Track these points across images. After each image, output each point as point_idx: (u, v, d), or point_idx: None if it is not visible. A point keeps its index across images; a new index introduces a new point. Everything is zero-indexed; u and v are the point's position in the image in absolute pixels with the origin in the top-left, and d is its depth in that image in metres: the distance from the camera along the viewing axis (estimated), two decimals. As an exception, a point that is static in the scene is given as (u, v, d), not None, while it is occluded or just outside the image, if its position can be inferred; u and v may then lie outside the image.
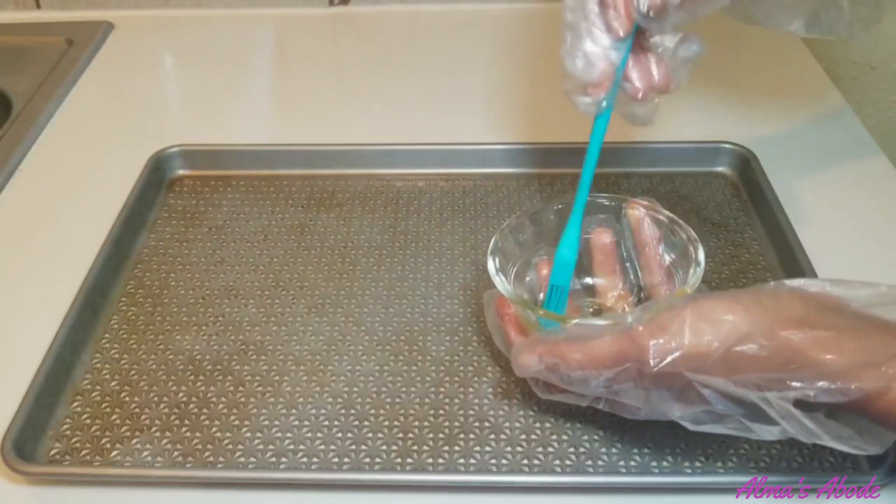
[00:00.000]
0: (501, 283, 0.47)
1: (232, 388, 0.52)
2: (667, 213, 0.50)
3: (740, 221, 0.64)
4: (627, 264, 0.51)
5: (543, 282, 0.50)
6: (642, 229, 0.50)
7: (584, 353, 0.41)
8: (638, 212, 0.50)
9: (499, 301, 0.49)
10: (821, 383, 0.36)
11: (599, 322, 0.42)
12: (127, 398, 0.51)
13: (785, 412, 0.37)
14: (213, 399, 0.51)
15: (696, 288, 0.46)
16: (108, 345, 0.55)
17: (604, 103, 0.48)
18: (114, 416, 0.50)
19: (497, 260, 0.48)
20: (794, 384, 0.37)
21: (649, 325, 0.39)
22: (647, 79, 0.49)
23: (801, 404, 0.37)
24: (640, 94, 0.48)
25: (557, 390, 0.44)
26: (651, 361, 0.38)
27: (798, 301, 0.39)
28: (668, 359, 0.38)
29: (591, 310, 0.51)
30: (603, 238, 0.51)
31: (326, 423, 0.49)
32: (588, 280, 0.52)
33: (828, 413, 0.38)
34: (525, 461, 0.47)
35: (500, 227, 0.50)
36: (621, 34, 0.46)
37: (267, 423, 0.49)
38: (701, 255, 0.47)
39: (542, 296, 0.50)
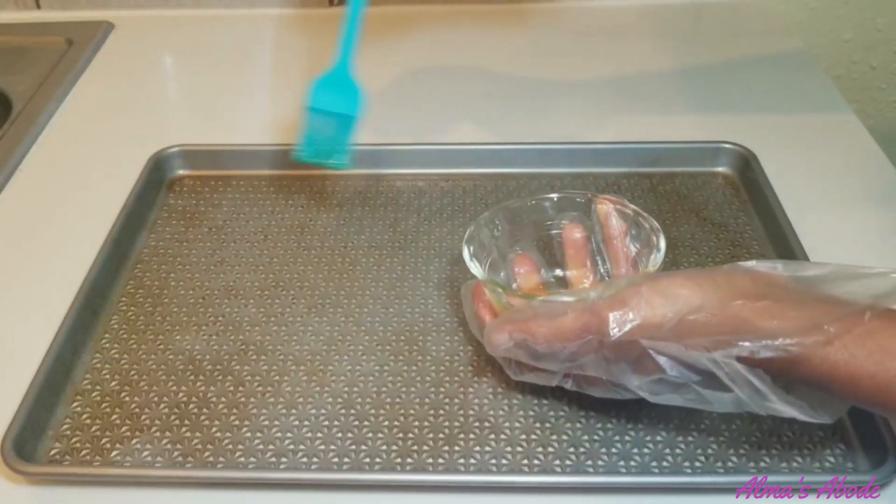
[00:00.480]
0: (476, 268, 0.50)
1: (232, 388, 0.52)
2: (632, 206, 0.52)
3: (740, 221, 0.64)
4: (598, 257, 0.53)
5: (518, 274, 0.53)
6: (610, 223, 0.52)
7: (550, 328, 0.43)
8: (606, 206, 0.52)
9: (475, 289, 0.51)
10: (764, 341, 0.39)
11: (564, 298, 0.44)
12: (127, 398, 0.51)
13: (732, 371, 0.39)
14: (213, 399, 0.51)
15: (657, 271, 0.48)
16: (108, 345, 0.55)
17: None
18: (114, 416, 0.50)
19: (471, 248, 0.51)
20: (739, 343, 0.39)
21: (610, 300, 0.42)
22: None
23: (750, 371, 0.39)
24: None
25: (528, 369, 0.46)
26: (610, 332, 0.41)
27: (749, 278, 0.42)
28: (626, 328, 0.41)
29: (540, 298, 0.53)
30: (574, 233, 0.53)
31: (326, 423, 0.49)
32: (560, 272, 0.54)
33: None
34: (525, 461, 0.47)
35: (475, 220, 0.52)
36: None
37: (267, 423, 0.49)
38: (662, 243, 0.49)
39: (514, 286, 0.53)
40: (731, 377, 0.39)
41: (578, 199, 0.54)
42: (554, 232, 0.54)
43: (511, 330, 0.44)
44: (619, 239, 0.52)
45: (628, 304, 0.41)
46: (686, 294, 0.41)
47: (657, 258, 0.49)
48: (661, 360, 0.41)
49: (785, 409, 0.40)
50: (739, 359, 0.39)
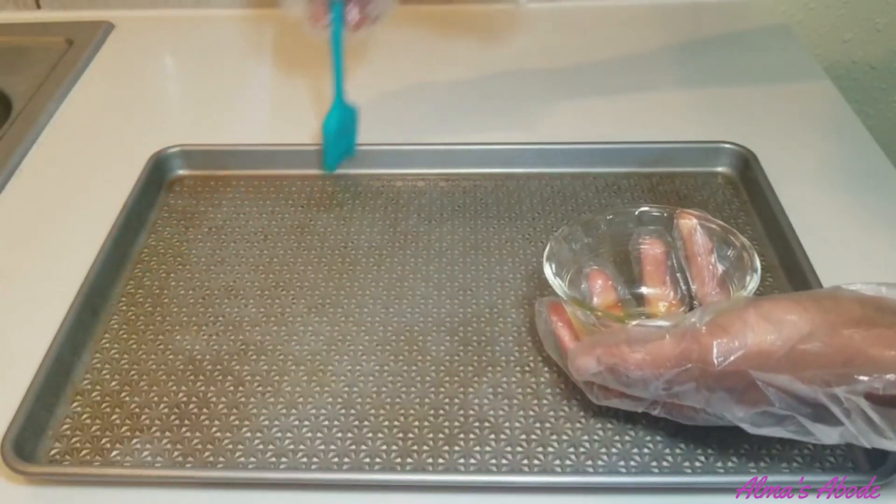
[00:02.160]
0: (560, 286, 0.47)
1: (232, 388, 0.52)
2: (719, 222, 0.50)
3: (740, 221, 0.64)
4: (678, 275, 0.51)
5: (595, 290, 0.50)
6: (694, 239, 0.50)
7: (646, 353, 0.41)
8: (690, 221, 0.50)
9: (552, 307, 0.49)
10: (889, 376, 0.36)
11: (660, 323, 0.42)
12: (127, 398, 0.51)
13: (853, 406, 0.37)
14: (213, 399, 0.51)
15: (752, 294, 0.46)
16: (108, 345, 0.55)
17: (329, 27, 0.64)
18: (114, 416, 0.50)
19: (553, 266, 0.48)
20: (860, 378, 0.37)
21: (711, 326, 0.40)
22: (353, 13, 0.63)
23: (873, 409, 0.37)
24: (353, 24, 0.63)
25: (614, 395, 0.44)
26: (715, 360, 0.39)
27: (856, 303, 0.40)
28: (732, 357, 0.38)
29: (641, 319, 0.50)
30: (653, 249, 0.51)
31: (326, 423, 0.49)
32: (638, 290, 0.52)
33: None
34: (525, 461, 0.47)
35: (553, 234, 0.50)
36: None
37: (267, 423, 0.49)
38: (757, 262, 0.47)
39: (595, 302, 0.50)
40: (847, 413, 0.37)
41: (660, 214, 0.52)
42: (633, 247, 0.52)
43: (601, 354, 0.42)
44: (704, 256, 0.49)
45: (732, 330, 0.39)
46: (794, 320, 0.38)
47: (754, 280, 0.46)
48: (771, 392, 0.38)
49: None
50: (866, 395, 0.37)
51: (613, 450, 0.47)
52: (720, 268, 0.49)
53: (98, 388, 0.52)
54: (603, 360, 0.42)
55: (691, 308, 0.50)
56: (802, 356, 0.38)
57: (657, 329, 0.41)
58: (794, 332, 0.38)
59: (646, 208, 0.52)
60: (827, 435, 0.39)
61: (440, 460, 0.47)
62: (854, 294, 0.40)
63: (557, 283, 0.48)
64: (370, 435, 0.49)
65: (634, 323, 0.43)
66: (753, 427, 0.41)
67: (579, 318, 0.47)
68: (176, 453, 0.48)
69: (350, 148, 0.70)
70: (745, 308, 0.40)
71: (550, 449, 0.47)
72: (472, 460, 0.47)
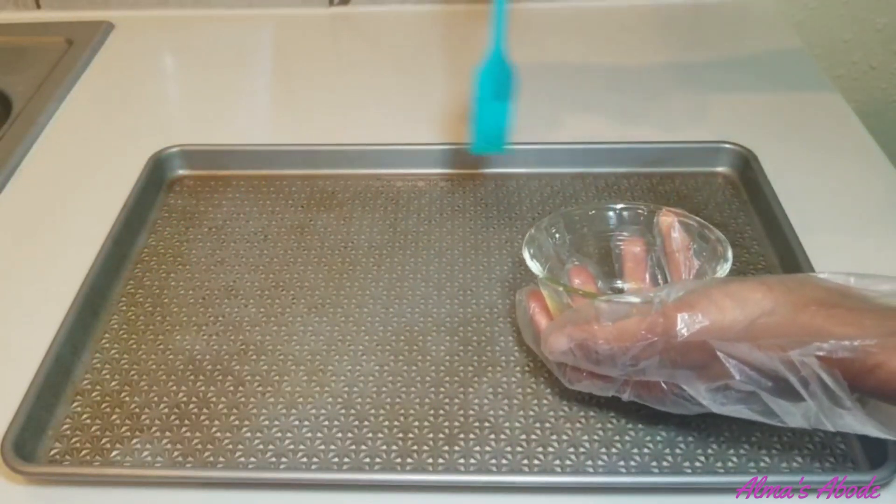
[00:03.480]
0: (535, 266, 0.49)
1: (232, 388, 0.52)
2: (697, 219, 0.51)
3: (740, 221, 0.64)
4: (657, 271, 0.52)
5: (576, 286, 0.51)
6: (672, 235, 0.51)
7: (613, 328, 0.42)
8: (668, 218, 0.51)
9: (531, 294, 0.49)
10: (844, 342, 0.37)
11: (629, 299, 0.43)
12: (127, 398, 0.51)
13: (809, 372, 0.38)
14: (213, 399, 0.51)
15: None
16: (108, 345, 0.55)
17: None
18: (114, 416, 0.50)
19: (531, 250, 0.50)
20: (817, 343, 0.38)
21: (678, 302, 0.41)
22: None
23: (826, 371, 0.38)
24: None
25: (584, 376, 0.45)
26: (678, 333, 0.40)
27: (822, 288, 0.41)
28: (695, 328, 0.39)
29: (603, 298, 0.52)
30: (634, 246, 0.53)
31: (326, 423, 0.49)
32: (619, 286, 0.53)
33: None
34: (525, 461, 0.47)
35: (535, 223, 0.52)
36: None
37: (267, 423, 0.49)
38: (729, 253, 0.48)
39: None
40: (804, 382, 0.38)
41: (641, 211, 0.53)
42: (614, 244, 0.53)
43: (571, 332, 0.43)
44: (682, 252, 0.50)
45: (697, 305, 0.40)
46: (757, 298, 0.40)
47: (724, 268, 0.48)
48: (731, 363, 0.39)
49: (858, 420, 0.38)
50: (817, 359, 0.38)
51: (613, 450, 0.47)
52: (696, 263, 0.50)
53: (98, 388, 0.52)
54: (573, 337, 0.43)
55: None
56: (762, 329, 0.39)
57: (625, 304, 0.42)
58: (757, 309, 0.39)
59: (626, 205, 0.53)
60: (790, 414, 0.40)
61: (440, 460, 0.47)
62: (821, 280, 0.41)
63: (534, 266, 0.49)
64: (370, 435, 0.49)
65: (604, 298, 0.44)
66: (716, 405, 0.41)
67: (554, 298, 0.47)
68: (176, 453, 0.48)
69: (502, 126, 0.58)
70: (712, 286, 0.41)
71: (550, 449, 0.47)
72: (472, 460, 0.47)
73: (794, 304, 0.39)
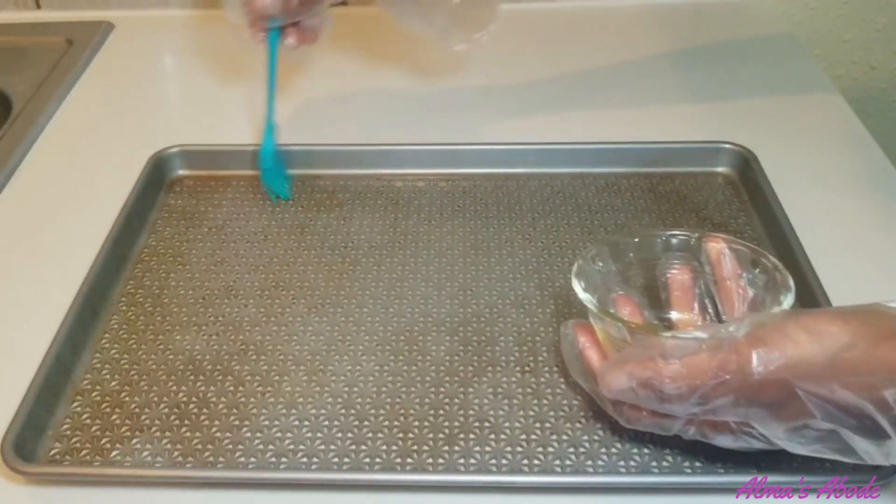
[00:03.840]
0: (590, 300, 0.46)
1: (232, 388, 0.52)
2: (749, 244, 0.49)
3: (740, 221, 0.64)
4: (707, 300, 0.50)
5: (622, 316, 0.49)
6: (722, 263, 0.48)
7: (681, 365, 0.39)
8: (717, 245, 0.49)
9: (579, 328, 0.47)
10: None
11: (695, 334, 0.40)
12: (127, 398, 0.51)
13: None
14: (213, 399, 0.51)
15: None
16: (108, 345, 0.55)
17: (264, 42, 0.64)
18: (114, 416, 0.50)
19: (582, 283, 0.47)
20: None
21: (749, 337, 0.39)
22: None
23: None
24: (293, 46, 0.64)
25: (645, 416, 0.43)
26: (754, 370, 0.38)
27: None
28: (772, 367, 0.37)
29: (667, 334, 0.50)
30: (681, 274, 0.50)
31: (326, 423, 0.49)
32: (666, 315, 0.51)
33: None
34: (525, 461, 0.47)
35: (581, 253, 0.49)
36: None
37: (267, 423, 0.49)
38: (790, 281, 0.46)
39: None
40: (895, 420, 0.36)
41: (687, 238, 0.50)
42: (660, 271, 0.51)
43: (633, 368, 0.41)
44: (734, 280, 0.48)
45: (771, 341, 0.38)
46: (834, 331, 0.37)
47: (788, 299, 0.45)
48: (812, 402, 0.37)
49: None
50: None
51: (613, 450, 0.47)
52: (750, 291, 0.47)
53: (98, 388, 0.52)
54: (635, 375, 0.40)
55: None
56: (845, 365, 0.37)
57: (693, 340, 0.40)
58: (835, 343, 0.37)
59: (673, 232, 0.51)
60: (870, 452, 0.38)
61: (440, 460, 0.47)
62: (892, 309, 0.39)
63: (587, 298, 0.46)
64: (370, 435, 0.49)
65: (668, 335, 0.41)
66: (793, 445, 0.40)
67: (610, 333, 0.45)
68: (176, 453, 0.48)
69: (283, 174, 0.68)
70: (784, 319, 0.39)
71: (550, 449, 0.47)
72: (472, 460, 0.47)
73: (874, 336, 0.37)
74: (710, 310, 0.50)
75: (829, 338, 0.37)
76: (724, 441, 0.42)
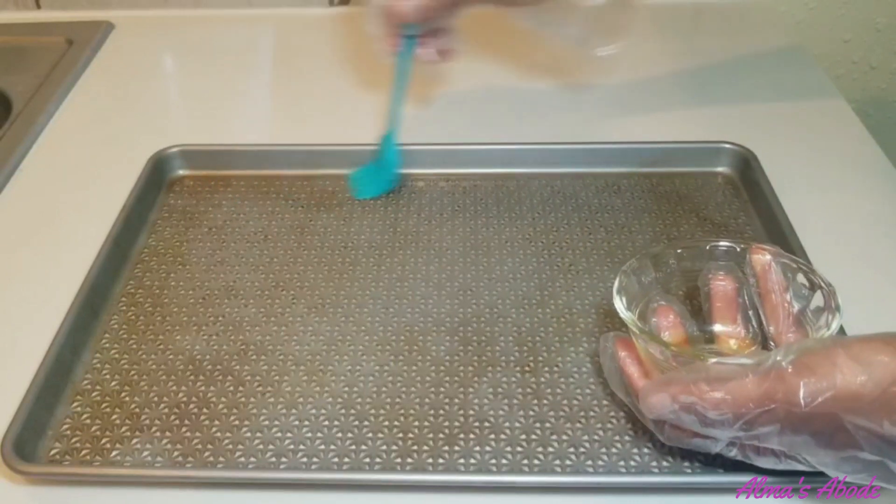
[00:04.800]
0: (633, 321, 0.45)
1: (232, 388, 0.52)
2: (796, 258, 0.48)
3: (740, 221, 0.64)
4: (750, 312, 0.49)
5: (663, 326, 0.48)
6: (769, 276, 0.47)
7: (725, 392, 0.39)
8: (763, 257, 0.48)
9: (620, 342, 0.47)
10: None
11: (741, 360, 0.40)
12: (127, 398, 0.51)
13: None
14: (213, 399, 0.51)
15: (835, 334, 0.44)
16: (108, 345, 0.55)
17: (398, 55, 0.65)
18: (114, 416, 0.50)
19: (623, 299, 0.47)
20: None
21: (796, 365, 0.38)
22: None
23: None
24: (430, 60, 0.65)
25: (687, 436, 0.42)
26: (802, 401, 0.37)
27: None
28: (821, 398, 0.37)
29: (719, 357, 0.49)
30: (724, 285, 0.49)
31: (326, 423, 0.49)
32: (708, 327, 0.50)
33: None
34: (525, 461, 0.47)
35: (622, 268, 0.49)
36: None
37: (267, 423, 0.49)
38: (839, 301, 0.45)
39: (665, 336, 0.48)
40: None
41: (731, 248, 0.50)
42: (702, 281, 0.50)
43: (676, 392, 0.40)
44: (779, 293, 0.46)
45: (819, 370, 0.37)
46: (885, 361, 0.37)
47: (837, 321, 0.44)
48: (861, 435, 0.37)
49: None
50: None
51: (613, 450, 0.47)
52: (796, 306, 0.46)
53: (98, 388, 0.52)
54: (679, 399, 0.40)
55: (764, 346, 0.48)
56: (895, 399, 0.36)
57: (738, 367, 0.39)
58: (886, 374, 0.36)
59: (717, 242, 0.50)
60: None
61: (440, 460, 0.47)
62: None
63: (629, 318, 0.45)
64: (370, 435, 0.49)
65: (713, 360, 0.41)
66: (837, 472, 0.39)
67: (653, 354, 0.45)
68: (176, 453, 0.48)
69: (387, 182, 0.68)
70: (833, 347, 0.38)
71: (550, 449, 0.47)
72: (472, 460, 0.47)
73: None
74: (754, 322, 0.48)
75: (880, 368, 0.37)
76: (768, 463, 0.42)
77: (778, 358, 0.39)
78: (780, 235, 0.60)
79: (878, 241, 0.61)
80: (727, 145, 0.69)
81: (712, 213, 0.64)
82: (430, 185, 0.68)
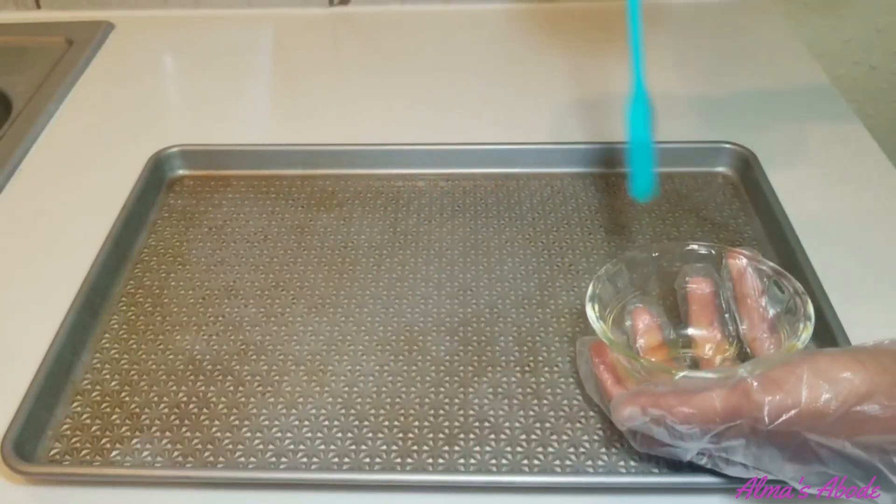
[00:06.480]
0: (603, 331, 0.46)
1: (232, 388, 0.52)
2: (771, 263, 0.48)
3: (740, 221, 0.64)
4: (726, 315, 0.49)
5: (639, 330, 0.49)
6: (744, 280, 0.48)
7: (693, 406, 0.39)
8: (740, 262, 0.48)
9: (594, 348, 0.47)
10: None
11: (709, 374, 0.41)
12: (127, 398, 0.51)
13: None
14: (213, 399, 0.51)
15: (806, 344, 0.44)
16: (108, 345, 0.55)
17: None
18: (114, 416, 0.50)
19: (596, 307, 0.47)
20: None
21: (763, 380, 0.38)
22: None
23: None
24: None
25: (658, 444, 0.43)
26: (766, 419, 0.37)
27: None
28: (784, 417, 0.37)
29: (686, 361, 0.49)
30: (700, 287, 0.49)
31: (326, 423, 0.49)
32: (684, 330, 0.50)
33: None
34: (525, 461, 0.47)
35: (596, 274, 0.49)
36: None
37: (267, 423, 0.49)
38: (811, 309, 0.45)
39: (640, 342, 0.49)
40: None
41: (708, 252, 0.50)
42: (679, 284, 0.50)
43: (645, 404, 0.41)
44: (755, 298, 0.47)
45: (784, 387, 0.37)
46: (850, 378, 0.37)
47: (808, 329, 0.44)
48: (825, 454, 0.37)
49: None
50: None
51: (613, 450, 0.47)
52: (771, 311, 0.47)
53: (98, 388, 0.52)
54: (648, 411, 0.41)
55: (739, 350, 0.48)
56: (859, 419, 0.36)
57: (706, 381, 0.40)
58: (851, 392, 0.37)
59: (693, 246, 0.50)
60: (882, 498, 0.38)
61: (440, 460, 0.47)
62: None
63: (600, 328, 0.46)
64: (370, 435, 0.49)
65: (682, 374, 0.41)
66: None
67: (624, 364, 0.45)
68: (176, 453, 0.48)
69: (651, 165, 0.56)
70: (800, 363, 0.38)
71: (550, 449, 0.47)
72: (472, 460, 0.47)
73: (892, 385, 0.37)
74: (730, 326, 0.49)
75: (846, 385, 0.37)
76: (736, 472, 0.42)
77: (744, 373, 0.39)
78: (780, 235, 0.60)
79: (879, 240, 0.61)
80: (727, 145, 0.69)
81: (712, 213, 0.64)
82: (430, 185, 0.68)
